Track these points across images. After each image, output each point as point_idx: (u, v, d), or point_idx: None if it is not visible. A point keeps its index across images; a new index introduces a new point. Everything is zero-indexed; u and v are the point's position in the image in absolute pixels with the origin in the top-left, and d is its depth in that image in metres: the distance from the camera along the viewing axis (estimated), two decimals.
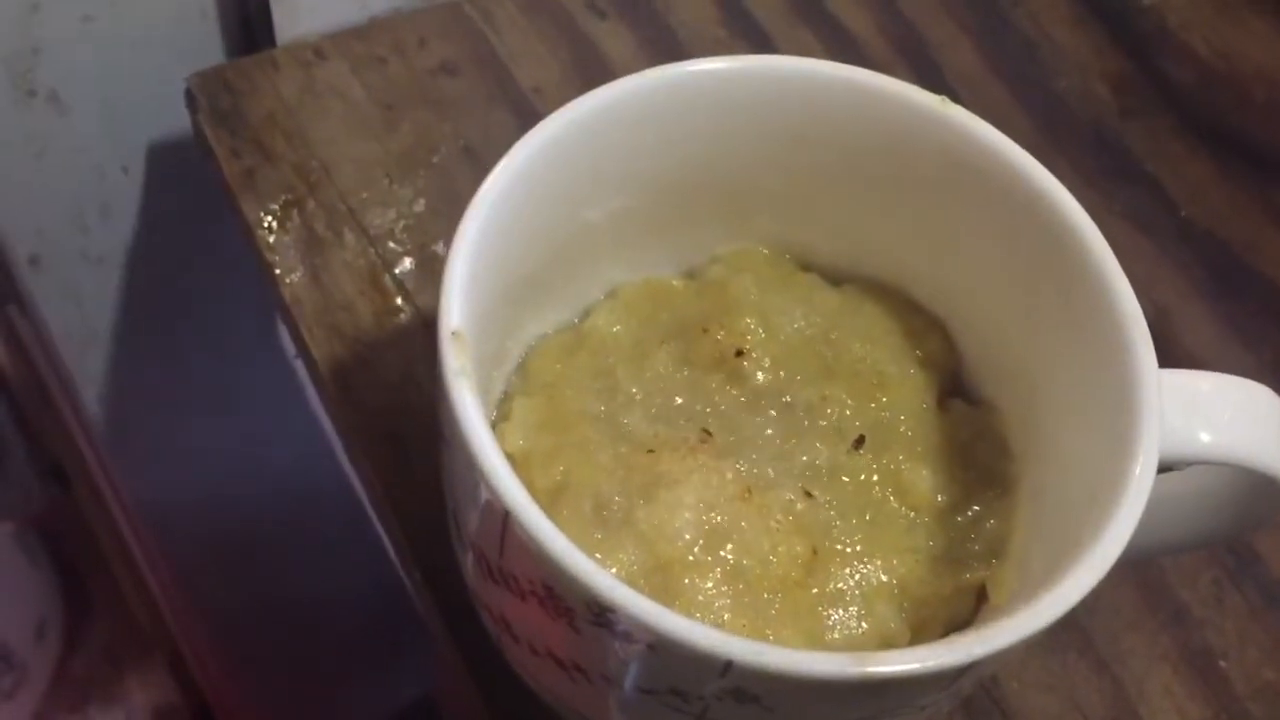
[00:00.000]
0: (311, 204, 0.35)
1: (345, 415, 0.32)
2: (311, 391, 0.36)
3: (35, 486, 0.86)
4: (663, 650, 0.20)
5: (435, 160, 0.36)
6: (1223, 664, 0.31)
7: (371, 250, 0.34)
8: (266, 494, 0.56)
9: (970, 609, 0.26)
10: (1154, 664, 0.31)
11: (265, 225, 0.34)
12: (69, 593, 0.89)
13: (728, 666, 0.19)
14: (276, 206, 0.35)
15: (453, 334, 0.21)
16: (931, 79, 0.40)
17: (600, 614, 0.20)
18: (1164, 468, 0.22)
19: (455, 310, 0.22)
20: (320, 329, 0.33)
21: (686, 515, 0.24)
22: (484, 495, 0.20)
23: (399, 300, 0.34)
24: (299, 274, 0.34)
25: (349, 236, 0.35)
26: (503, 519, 0.20)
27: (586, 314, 0.28)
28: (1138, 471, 0.21)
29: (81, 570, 0.90)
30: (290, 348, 0.36)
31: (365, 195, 0.35)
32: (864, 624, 0.24)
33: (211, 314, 0.47)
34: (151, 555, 0.63)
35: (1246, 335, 0.36)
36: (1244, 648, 0.31)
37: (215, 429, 0.52)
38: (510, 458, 0.25)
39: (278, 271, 0.34)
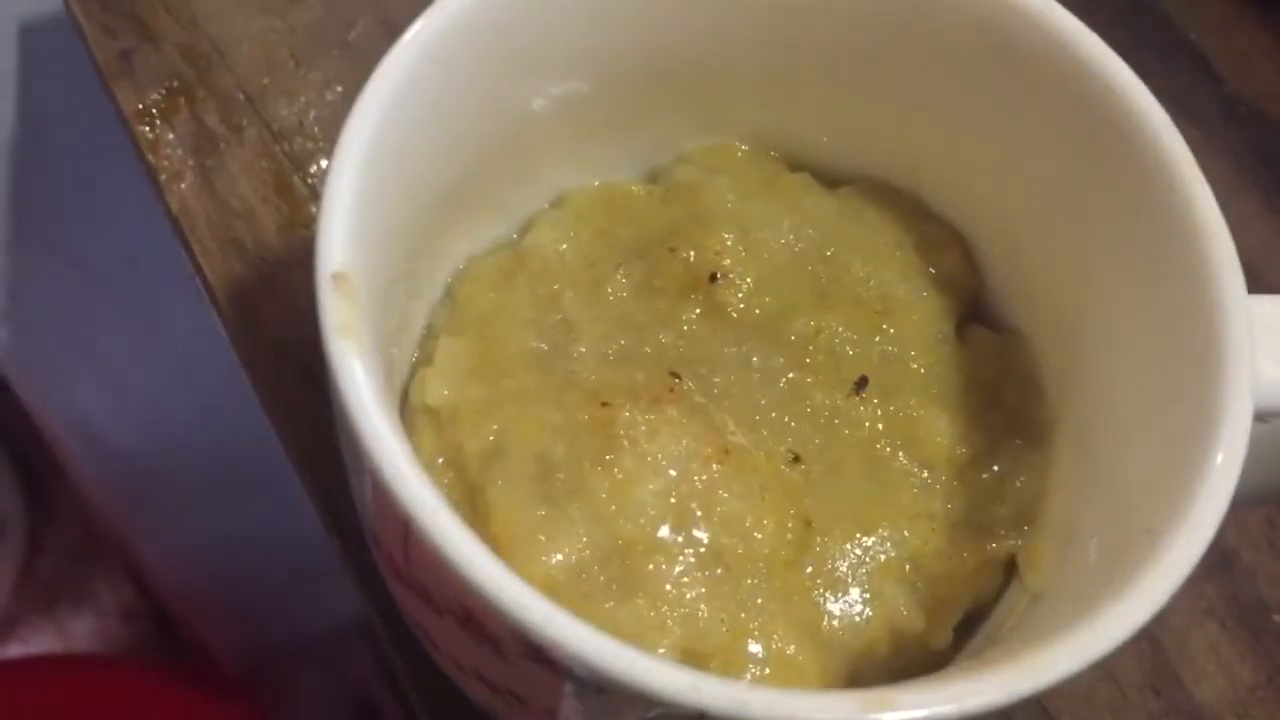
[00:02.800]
0: (201, 93, 0.31)
1: (249, 347, 0.28)
2: None
3: None
4: (616, 694, 0.15)
5: (351, 37, 0.32)
6: (1277, 619, 0.28)
7: (276, 148, 0.30)
8: (196, 412, 0.52)
9: (997, 586, 0.22)
10: (1197, 620, 0.28)
11: (146, 119, 0.30)
12: (32, 494, 0.88)
13: (700, 718, 0.15)
14: (159, 96, 0.31)
15: (333, 277, 0.16)
16: None
17: (533, 649, 0.15)
18: None
19: (337, 243, 0.17)
20: (216, 244, 0.29)
21: (650, 485, 0.21)
22: (379, 495, 0.16)
23: (312, 208, 0.30)
24: (188, 178, 0.30)
25: (249, 131, 0.30)
26: (404, 528, 0.15)
27: (527, 228, 0.25)
28: (1228, 430, 0.18)
29: (42, 472, 0.88)
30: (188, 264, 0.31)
31: (267, 81, 0.31)
32: (869, 610, 0.21)
33: (116, 218, 0.42)
34: (89, 473, 0.59)
35: None
36: None
37: (131, 344, 0.48)
38: (433, 414, 0.21)
39: (163, 177, 0.30)
